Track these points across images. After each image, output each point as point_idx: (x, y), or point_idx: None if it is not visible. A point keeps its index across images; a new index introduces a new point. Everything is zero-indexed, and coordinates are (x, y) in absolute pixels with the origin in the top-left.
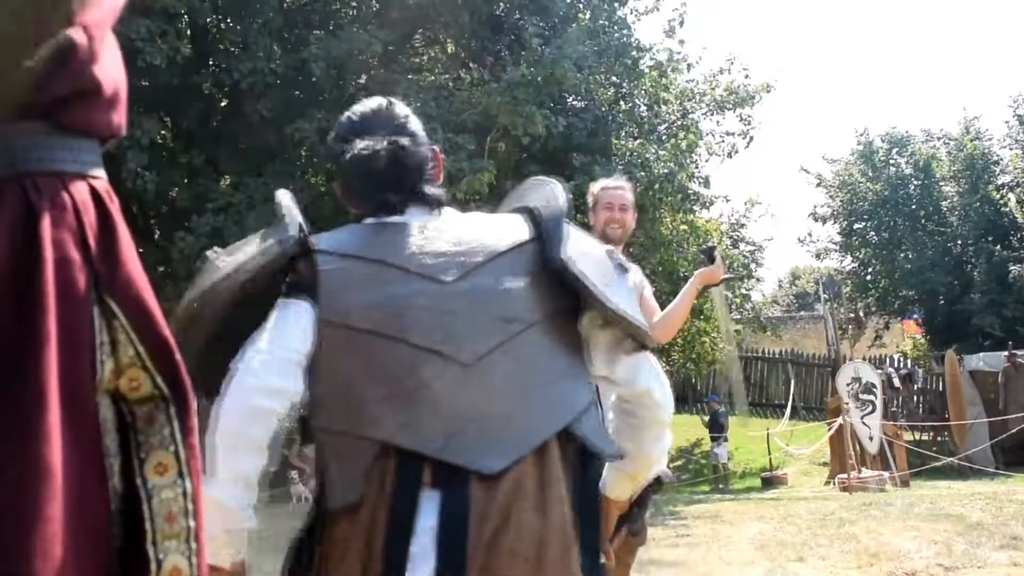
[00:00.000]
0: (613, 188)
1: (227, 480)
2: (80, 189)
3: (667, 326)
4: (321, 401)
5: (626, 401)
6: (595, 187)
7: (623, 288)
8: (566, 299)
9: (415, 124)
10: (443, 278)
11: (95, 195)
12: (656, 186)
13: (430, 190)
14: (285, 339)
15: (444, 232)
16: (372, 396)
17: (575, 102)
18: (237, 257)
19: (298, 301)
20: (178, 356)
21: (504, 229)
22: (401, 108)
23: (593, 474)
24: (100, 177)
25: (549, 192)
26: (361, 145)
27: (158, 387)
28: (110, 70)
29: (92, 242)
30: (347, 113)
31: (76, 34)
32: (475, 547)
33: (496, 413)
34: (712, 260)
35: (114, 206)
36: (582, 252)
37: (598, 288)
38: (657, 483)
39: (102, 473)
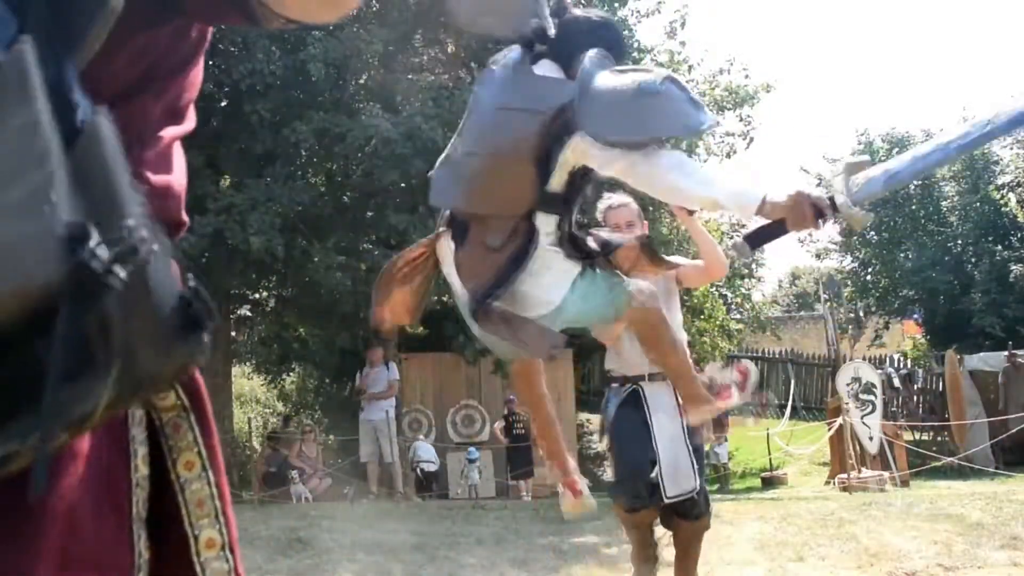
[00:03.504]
0: (617, 207)
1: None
2: None
3: (719, 257)
4: None
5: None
6: (601, 205)
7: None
8: None
9: None
10: None
11: None
12: None
13: None
14: None
15: None
16: None
17: None
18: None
19: None
20: (198, 376)
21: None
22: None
23: None
24: None
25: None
26: None
27: (180, 398)
28: (165, 173)
29: None
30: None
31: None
32: None
33: None
34: None
35: None
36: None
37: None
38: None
39: (125, 450)
